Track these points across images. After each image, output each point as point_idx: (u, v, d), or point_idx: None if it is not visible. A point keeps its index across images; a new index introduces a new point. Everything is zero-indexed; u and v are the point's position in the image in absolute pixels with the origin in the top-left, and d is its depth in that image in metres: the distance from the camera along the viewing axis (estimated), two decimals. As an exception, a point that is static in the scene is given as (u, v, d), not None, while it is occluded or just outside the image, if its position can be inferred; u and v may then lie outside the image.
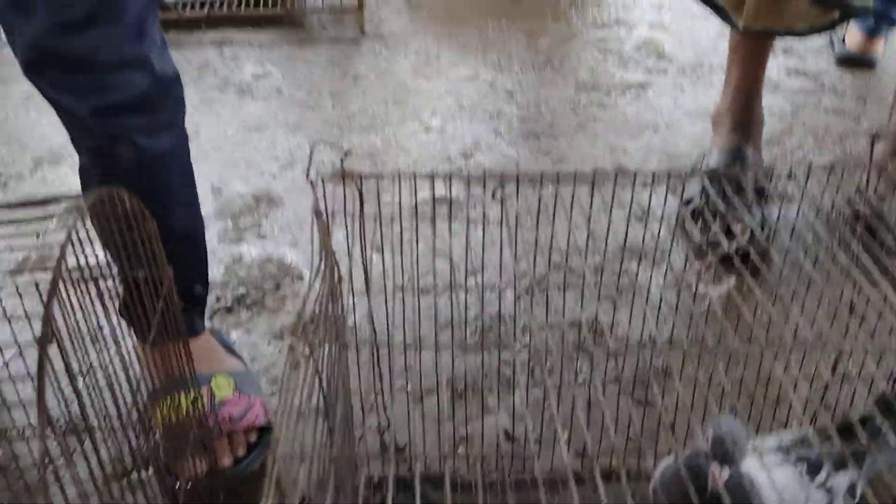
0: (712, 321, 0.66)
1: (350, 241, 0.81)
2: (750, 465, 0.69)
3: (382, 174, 0.75)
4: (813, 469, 0.73)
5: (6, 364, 0.82)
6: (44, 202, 0.57)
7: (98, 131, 0.87)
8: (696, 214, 1.27)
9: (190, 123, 0.98)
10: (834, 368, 0.72)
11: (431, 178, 0.76)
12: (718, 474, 0.66)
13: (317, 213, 0.70)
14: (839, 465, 0.75)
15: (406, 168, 1.55)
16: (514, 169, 1.53)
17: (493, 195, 0.75)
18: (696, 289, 0.80)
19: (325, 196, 0.74)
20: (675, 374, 1.00)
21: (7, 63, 2.02)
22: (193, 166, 0.98)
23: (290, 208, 1.48)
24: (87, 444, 0.97)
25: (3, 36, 0.84)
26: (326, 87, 1.92)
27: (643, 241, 1.24)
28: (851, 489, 0.75)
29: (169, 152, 0.92)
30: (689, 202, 1.30)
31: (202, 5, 2.23)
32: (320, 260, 0.69)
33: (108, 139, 0.88)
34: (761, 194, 1.29)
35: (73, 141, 0.92)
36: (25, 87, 1.90)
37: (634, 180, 0.74)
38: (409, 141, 1.69)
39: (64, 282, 0.52)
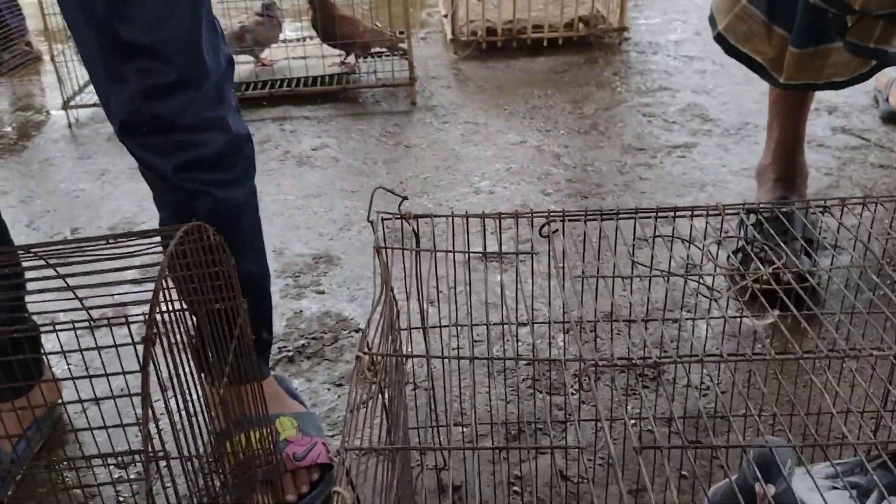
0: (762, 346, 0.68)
1: (407, 280, 0.86)
2: (800, 488, 0.70)
3: (437, 214, 0.80)
4: (862, 494, 0.74)
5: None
6: (142, 234, 0.64)
7: (179, 186, 0.95)
8: (743, 257, 1.29)
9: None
10: (886, 398, 0.73)
11: (482, 217, 0.81)
12: (763, 492, 0.67)
13: (377, 248, 0.75)
14: (889, 491, 0.75)
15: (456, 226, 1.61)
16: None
17: (541, 232, 0.80)
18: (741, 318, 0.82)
19: (384, 235, 0.80)
20: (727, 413, 1.01)
21: (84, 142, 2.18)
22: None
23: (347, 267, 1.54)
24: (159, 482, 1.02)
25: (77, 116, 0.93)
26: (381, 155, 2.02)
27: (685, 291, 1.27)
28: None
29: (241, 204, 1.00)
30: (736, 252, 1.33)
31: (264, 85, 2.38)
32: (381, 292, 0.74)
33: (188, 193, 0.96)
34: (809, 244, 1.31)
35: (155, 198, 1.00)
36: (101, 163, 2.04)
37: (675, 214, 0.78)
38: (460, 203, 1.76)
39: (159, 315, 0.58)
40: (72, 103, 2.27)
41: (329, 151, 2.05)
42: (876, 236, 0.78)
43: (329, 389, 1.21)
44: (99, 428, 0.63)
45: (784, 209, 0.83)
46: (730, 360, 0.60)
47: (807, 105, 1.48)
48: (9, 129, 2.31)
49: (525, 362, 1.08)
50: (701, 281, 0.74)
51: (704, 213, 0.78)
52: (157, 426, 0.59)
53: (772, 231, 0.94)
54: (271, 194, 1.84)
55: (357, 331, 1.35)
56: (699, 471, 1.00)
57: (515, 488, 1.01)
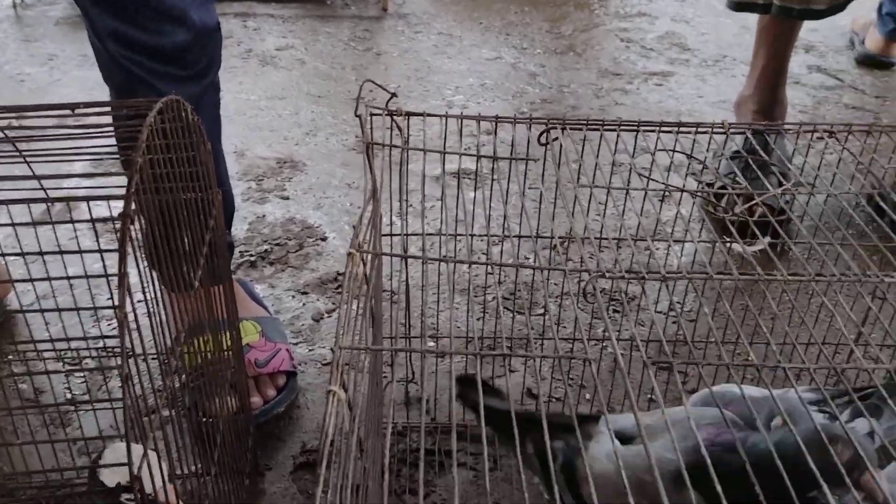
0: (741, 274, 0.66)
1: (391, 184, 0.81)
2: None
3: (428, 112, 0.75)
4: (831, 416, 0.74)
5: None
6: (113, 104, 0.57)
7: (124, 66, 0.87)
8: (719, 195, 1.28)
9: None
10: (860, 331, 0.72)
11: (478, 119, 0.77)
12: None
13: (368, 144, 0.70)
14: (856, 413, 0.76)
15: (430, 142, 1.55)
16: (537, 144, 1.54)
17: (539, 139, 0.76)
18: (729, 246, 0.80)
19: (371, 131, 0.74)
20: (697, 341, 1.00)
21: (30, 24, 2.03)
22: None
23: (312, 173, 1.48)
24: (112, 383, 0.97)
25: None
26: (349, 61, 1.93)
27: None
28: (871, 434, 0.75)
29: (195, 100, 0.92)
30: (710, 184, 1.31)
31: (227, -23, 2.24)
32: (370, 191, 0.69)
33: (133, 78, 0.87)
34: (785, 178, 1.30)
35: (103, 75, 0.92)
36: (48, 48, 1.91)
37: (679, 129, 0.74)
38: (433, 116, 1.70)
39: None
40: (16, -19, 2.11)
41: (294, 53, 1.96)
42: (859, 171, 0.75)
43: (293, 297, 1.17)
44: (54, 310, 0.58)
45: (774, 133, 0.80)
46: (742, 279, 0.58)
47: (793, 35, 1.44)
48: (-55, 4, 2.14)
49: (501, 278, 1.05)
50: (706, 197, 0.71)
51: (710, 130, 0.75)
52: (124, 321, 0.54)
53: (750, 162, 0.91)
54: (232, 93, 1.74)
55: (323, 239, 1.30)
56: (669, 395, 0.99)
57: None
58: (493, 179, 0.73)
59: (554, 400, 1.00)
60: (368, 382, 0.63)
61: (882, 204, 0.73)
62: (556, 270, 0.59)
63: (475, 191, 0.76)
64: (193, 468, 0.70)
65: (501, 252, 0.79)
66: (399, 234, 0.84)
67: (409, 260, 1.11)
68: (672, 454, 0.58)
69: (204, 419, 0.83)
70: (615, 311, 1.15)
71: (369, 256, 0.59)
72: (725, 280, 0.56)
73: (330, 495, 0.39)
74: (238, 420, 0.88)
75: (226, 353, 0.83)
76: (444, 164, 0.73)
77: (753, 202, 0.67)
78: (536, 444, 0.75)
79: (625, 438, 0.70)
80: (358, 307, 0.55)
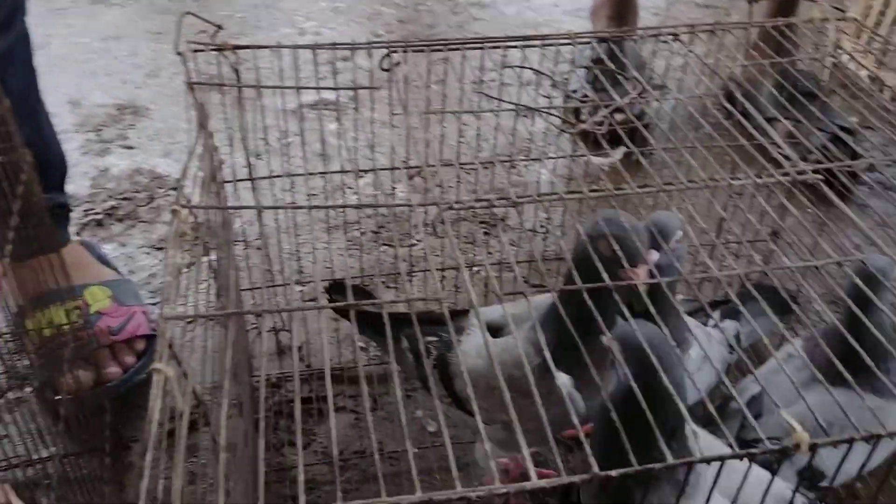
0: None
1: (228, 123, 0.75)
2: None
3: (260, 44, 0.69)
4: (702, 317, 0.76)
5: None
6: None
7: None
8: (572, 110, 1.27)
9: (38, 35, 0.90)
10: (714, 241, 0.73)
11: (314, 48, 0.71)
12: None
13: (190, 84, 0.64)
14: (723, 316, 0.78)
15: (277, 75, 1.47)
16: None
17: (381, 65, 0.71)
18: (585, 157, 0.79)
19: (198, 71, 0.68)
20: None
21: None
22: (45, 78, 0.90)
23: (158, 117, 1.38)
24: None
25: None
26: (189, -8, 1.79)
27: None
28: (737, 337, 0.78)
29: (4, 56, 0.83)
30: (573, 92, 1.30)
31: None
32: (197, 137, 0.64)
33: None
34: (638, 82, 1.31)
35: None
36: None
37: (526, 43, 0.71)
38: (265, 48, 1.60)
39: None
40: None
41: (128, -13, 1.80)
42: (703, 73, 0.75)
43: (147, 254, 1.09)
44: None
45: (625, 39, 0.79)
46: (590, 196, 0.56)
47: (642, -61, 1.43)
48: None
49: (368, 213, 1.02)
50: (559, 116, 0.69)
51: (556, 42, 0.72)
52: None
53: (597, 74, 0.90)
54: (61, 37, 1.59)
55: (175, 189, 1.22)
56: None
57: (360, 344, 0.96)
58: (337, 111, 0.68)
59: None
60: (223, 343, 0.58)
61: (727, 105, 0.73)
62: (405, 207, 0.56)
63: (325, 124, 0.72)
64: (38, 454, 0.65)
65: (361, 186, 0.75)
66: (245, 180, 0.78)
67: (265, 200, 1.05)
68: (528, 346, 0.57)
69: (52, 399, 0.77)
70: (486, 233, 1.14)
71: (200, 211, 0.54)
72: (576, 198, 0.54)
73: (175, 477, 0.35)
74: (94, 394, 0.83)
75: (67, 325, 0.76)
76: (283, 98, 0.68)
77: (602, 113, 0.66)
78: (410, 341, 0.73)
79: (494, 329, 0.68)
80: (193, 270, 0.50)
